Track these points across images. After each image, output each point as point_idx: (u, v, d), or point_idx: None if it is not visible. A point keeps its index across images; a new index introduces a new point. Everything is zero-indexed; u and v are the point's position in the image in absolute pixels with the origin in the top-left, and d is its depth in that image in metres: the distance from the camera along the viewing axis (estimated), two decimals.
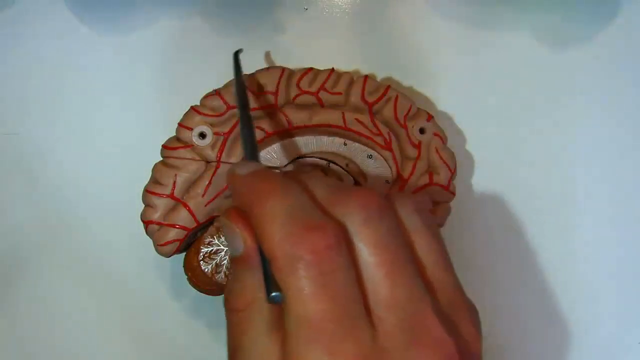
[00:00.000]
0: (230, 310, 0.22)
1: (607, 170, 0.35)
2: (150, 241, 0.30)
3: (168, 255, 0.30)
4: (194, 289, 0.30)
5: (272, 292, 0.21)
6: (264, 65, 0.32)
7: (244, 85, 0.29)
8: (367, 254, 0.21)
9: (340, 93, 0.31)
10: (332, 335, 0.19)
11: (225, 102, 0.30)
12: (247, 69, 0.31)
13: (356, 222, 0.21)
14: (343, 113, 0.31)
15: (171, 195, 0.30)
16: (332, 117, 0.31)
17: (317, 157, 0.31)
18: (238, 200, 0.23)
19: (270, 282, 0.21)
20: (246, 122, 0.27)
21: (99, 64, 0.35)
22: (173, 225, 0.29)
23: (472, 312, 0.23)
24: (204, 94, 0.31)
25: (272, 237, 0.20)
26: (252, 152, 0.26)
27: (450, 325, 0.21)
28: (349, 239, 0.21)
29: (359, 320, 0.20)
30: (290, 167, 0.31)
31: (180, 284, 0.31)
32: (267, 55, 0.35)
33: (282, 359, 0.20)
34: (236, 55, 0.31)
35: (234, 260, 0.23)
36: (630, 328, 0.34)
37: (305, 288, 0.20)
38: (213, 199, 0.30)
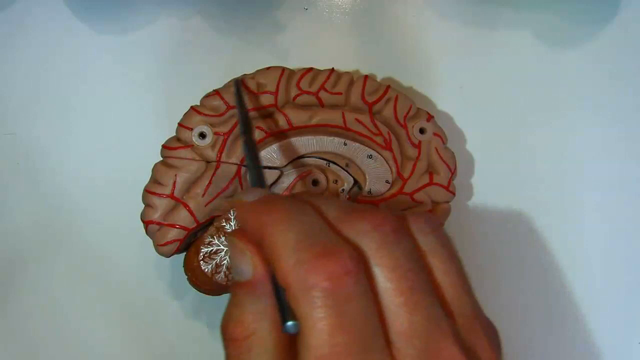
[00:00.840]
0: (228, 339, 0.21)
1: (607, 169, 0.35)
2: (150, 241, 0.30)
3: (168, 255, 0.30)
4: (194, 289, 0.30)
5: (287, 321, 0.19)
6: (264, 65, 0.32)
7: (246, 112, 0.29)
8: (384, 280, 0.20)
9: (340, 93, 0.31)
10: None
11: (225, 102, 0.30)
12: (247, 69, 0.31)
13: (371, 246, 0.20)
14: (343, 113, 0.31)
15: (171, 195, 0.30)
16: (332, 117, 0.31)
17: (317, 157, 0.31)
18: (247, 229, 0.22)
19: (286, 310, 0.20)
20: (251, 148, 0.27)
21: (99, 64, 0.35)
22: (173, 225, 0.29)
23: (492, 335, 0.22)
24: (204, 94, 0.31)
25: (285, 264, 0.19)
26: (258, 178, 0.25)
27: (469, 352, 0.20)
28: (366, 264, 0.20)
29: (378, 354, 0.19)
30: (290, 167, 0.31)
31: (180, 284, 0.31)
32: (267, 55, 0.35)
33: None
34: (237, 83, 0.30)
35: (237, 285, 0.22)
36: (630, 328, 0.34)
37: (322, 318, 0.18)
38: (213, 199, 0.30)
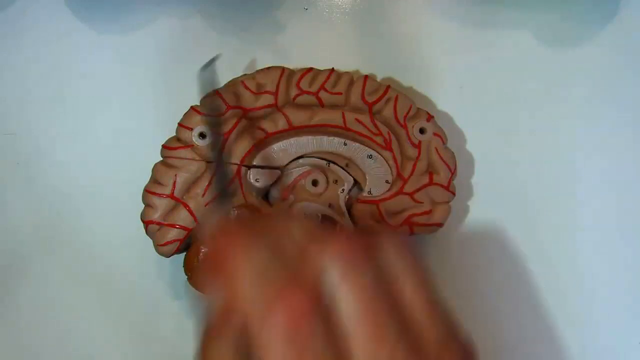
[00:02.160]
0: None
1: (608, 169, 0.35)
2: (150, 241, 0.30)
3: (168, 255, 0.30)
4: (194, 289, 0.30)
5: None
6: (264, 65, 0.32)
7: (219, 115, 0.29)
8: (348, 309, 0.20)
9: (340, 93, 0.31)
10: None
11: (225, 102, 0.30)
12: (248, 68, 0.31)
13: (334, 276, 0.20)
14: (343, 113, 0.31)
15: (171, 195, 0.30)
16: (332, 117, 0.31)
17: (317, 157, 0.31)
18: (209, 255, 0.22)
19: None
20: (218, 151, 0.27)
21: (99, 64, 0.35)
22: (173, 225, 0.29)
23: (468, 357, 0.21)
24: None
25: (244, 299, 0.19)
26: (220, 181, 0.26)
27: None
28: (327, 296, 0.20)
29: None
30: (290, 167, 0.31)
31: (180, 284, 0.31)
32: (267, 55, 0.35)
33: None
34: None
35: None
36: (631, 328, 0.34)
37: (280, 352, 0.18)
38: (213, 199, 0.30)
